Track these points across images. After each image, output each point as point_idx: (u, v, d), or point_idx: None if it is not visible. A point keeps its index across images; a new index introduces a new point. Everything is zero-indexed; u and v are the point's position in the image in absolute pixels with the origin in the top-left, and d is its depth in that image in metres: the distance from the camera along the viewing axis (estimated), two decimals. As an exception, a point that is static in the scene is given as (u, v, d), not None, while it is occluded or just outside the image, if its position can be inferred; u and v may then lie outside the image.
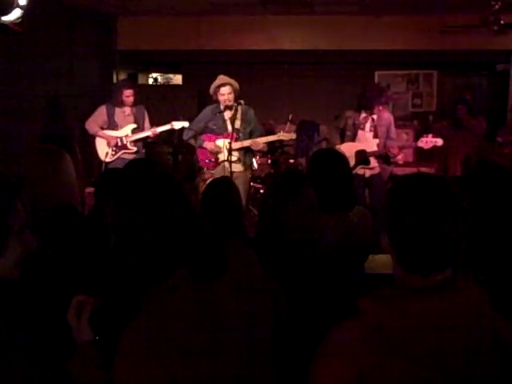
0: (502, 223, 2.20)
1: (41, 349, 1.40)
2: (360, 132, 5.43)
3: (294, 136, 5.40)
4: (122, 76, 8.99)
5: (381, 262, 2.65)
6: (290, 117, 6.98)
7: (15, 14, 4.17)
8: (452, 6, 7.13)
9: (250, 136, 5.23)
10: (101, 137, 5.81)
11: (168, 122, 5.91)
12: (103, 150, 5.84)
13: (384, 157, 5.43)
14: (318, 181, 2.53)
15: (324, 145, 8.06)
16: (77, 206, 2.44)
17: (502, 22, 6.13)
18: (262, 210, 2.40)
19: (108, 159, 5.82)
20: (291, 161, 7.16)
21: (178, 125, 5.83)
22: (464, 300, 1.18)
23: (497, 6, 5.90)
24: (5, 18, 4.16)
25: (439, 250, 1.20)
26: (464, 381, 1.15)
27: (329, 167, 2.64)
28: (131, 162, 2.62)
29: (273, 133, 5.56)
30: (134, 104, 5.87)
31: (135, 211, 1.32)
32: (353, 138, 5.45)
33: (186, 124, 5.75)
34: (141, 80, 10.59)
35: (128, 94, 5.78)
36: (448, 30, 7.04)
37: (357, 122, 5.42)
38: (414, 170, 5.48)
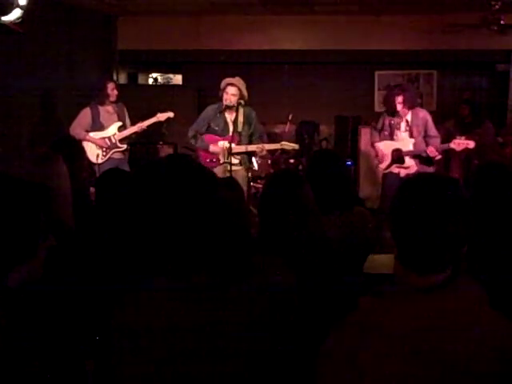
0: (505, 223, 2.20)
1: (43, 349, 1.40)
2: (396, 132, 5.55)
3: (297, 146, 5.46)
4: (122, 76, 8.99)
5: (381, 262, 2.65)
6: (290, 117, 6.98)
7: (15, 14, 4.17)
8: (452, 6, 7.13)
9: (251, 138, 5.25)
10: (89, 141, 5.77)
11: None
12: (93, 151, 5.78)
13: (423, 157, 5.45)
14: (315, 181, 2.54)
15: (324, 145, 8.08)
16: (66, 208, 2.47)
17: (502, 22, 6.13)
18: (261, 211, 2.40)
19: (100, 161, 5.78)
20: (291, 161, 7.16)
21: (163, 116, 5.86)
22: (461, 300, 1.18)
23: (497, 6, 5.91)
24: (5, 18, 4.16)
25: (437, 251, 1.20)
26: (463, 379, 1.15)
27: (326, 168, 2.65)
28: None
29: (272, 133, 5.57)
30: (117, 100, 5.91)
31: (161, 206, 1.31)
32: (390, 138, 5.58)
33: (171, 115, 5.81)
34: (141, 80, 10.59)
35: (112, 87, 5.83)
36: (448, 29, 7.04)
37: (392, 122, 5.54)
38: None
